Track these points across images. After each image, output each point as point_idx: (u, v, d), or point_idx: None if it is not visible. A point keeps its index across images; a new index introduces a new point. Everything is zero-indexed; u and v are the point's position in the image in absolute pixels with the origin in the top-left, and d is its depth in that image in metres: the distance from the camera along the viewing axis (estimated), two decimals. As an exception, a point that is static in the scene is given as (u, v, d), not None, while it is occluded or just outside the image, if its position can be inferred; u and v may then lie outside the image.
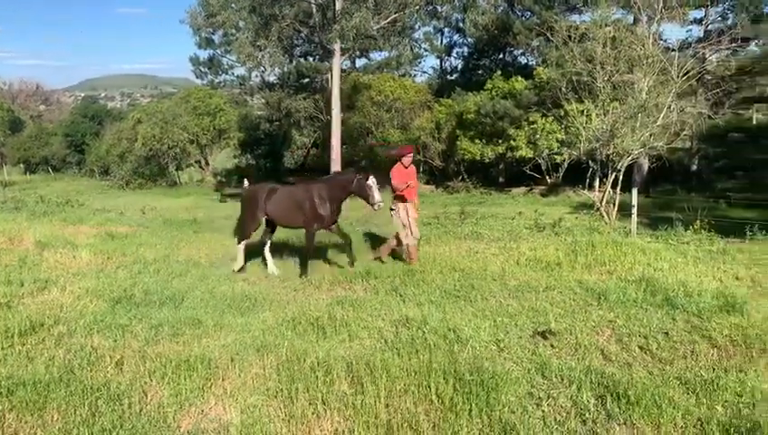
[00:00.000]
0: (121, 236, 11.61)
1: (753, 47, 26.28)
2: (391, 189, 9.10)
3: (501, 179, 28.84)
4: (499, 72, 27.85)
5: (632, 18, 22.90)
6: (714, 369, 4.63)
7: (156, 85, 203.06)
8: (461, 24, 35.37)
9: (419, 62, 40.64)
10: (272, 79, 37.30)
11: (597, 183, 14.69)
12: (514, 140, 25.37)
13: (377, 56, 36.54)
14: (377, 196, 8.39)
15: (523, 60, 33.71)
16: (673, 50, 16.69)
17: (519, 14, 30.31)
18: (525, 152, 25.18)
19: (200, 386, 4.36)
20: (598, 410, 4.02)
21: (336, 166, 20.41)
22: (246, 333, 5.58)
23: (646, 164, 21.95)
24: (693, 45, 24.44)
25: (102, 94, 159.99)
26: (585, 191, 15.85)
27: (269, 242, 9.37)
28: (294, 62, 35.96)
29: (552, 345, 5.18)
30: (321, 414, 3.98)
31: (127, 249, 10.13)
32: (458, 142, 27.34)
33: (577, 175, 20.22)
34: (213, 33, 34.51)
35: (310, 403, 4.08)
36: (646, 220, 14.43)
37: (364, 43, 25.45)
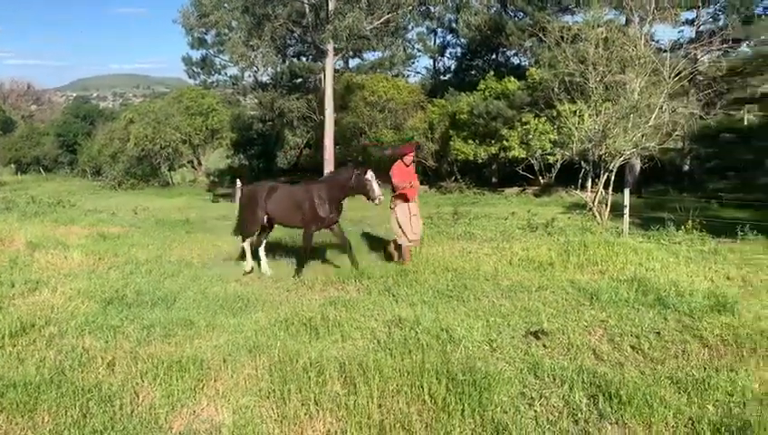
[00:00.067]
0: (113, 237, 11.56)
1: (744, 48, 26.49)
2: (391, 188, 9.00)
3: (494, 180, 28.91)
4: (492, 73, 27.92)
5: (624, 19, 22.99)
6: (705, 368, 4.65)
7: (148, 85, 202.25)
8: (454, 25, 35.47)
9: (412, 63, 40.86)
10: (265, 79, 37.37)
11: (589, 183, 14.76)
12: (507, 140, 25.42)
13: (370, 56, 36.66)
14: (376, 190, 8.31)
15: (515, 60, 33.86)
16: (665, 51, 16.81)
17: (512, 14, 30.38)
18: (518, 153, 25.23)
19: (192, 387, 4.35)
20: (590, 409, 4.03)
21: (329, 166, 20.43)
22: (239, 333, 5.56)
23: (638, 164, 22.02)
24: (684, 46, 24.62)
25: (94, 94, 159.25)
26: (577, 191, 15.92)
27: (264, 242, 9.35)
28: (287, 62, 35.97)
29: (544, 345, 5.19)
30: (313, 415, 3.97)
31: (119, 250, 10.09)
32: (451, 143, 27.38)
33: (569, 175, 20.28)
34: (206, 33, 34.56)
35: (302, 404, 4.08)
36: (638, 220, 14.47)
37: (357, 43, 25.50)
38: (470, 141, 26.83)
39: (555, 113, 18.87)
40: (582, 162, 15.06)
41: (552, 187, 25.98)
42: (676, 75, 14.69)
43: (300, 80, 36.49)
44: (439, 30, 38.11)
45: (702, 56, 24.54)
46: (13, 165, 53.66)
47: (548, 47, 18.32)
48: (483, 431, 3.78)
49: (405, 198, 8.91)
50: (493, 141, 26.24)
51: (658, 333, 5.40)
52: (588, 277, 7.56)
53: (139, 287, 7.40)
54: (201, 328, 5.74)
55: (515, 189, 27.30)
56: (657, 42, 23.09)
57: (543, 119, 23.46)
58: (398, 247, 9.04)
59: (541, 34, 18.98)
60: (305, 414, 3.97)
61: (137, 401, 4.20)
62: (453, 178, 28.79)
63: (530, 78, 25.30)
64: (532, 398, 4.19)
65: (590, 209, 14.11)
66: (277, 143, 38.91)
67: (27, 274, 7.97)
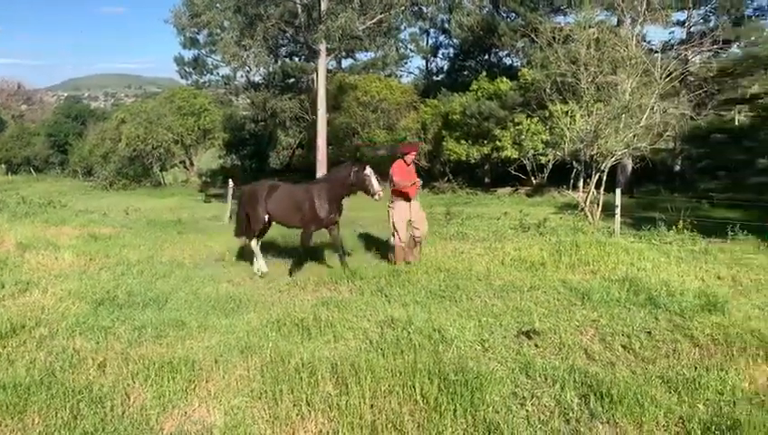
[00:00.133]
0: (104, 238, 11.49)
1: (734, 49, 26.61)
2: (391, 186, 8.94)
3: (486, 180, 28.98)
4: (484, 73, 27.95)
5: (616, 20, 23.13)
6: (695, 367, 4.67)
7: (140, 85, 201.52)
8: (446, 26, 35.50)
9: (405, 63, 40.80)
10: (257, 79, 37.22)
11: (581, 183, 14.82)
12: (500, 140, 25.47)
13: (363, 57, 36.56)
14: (376, 185, 8.25)
15: (508, 61, 33.88)
16: (656, 51, 16.92)
17: (504, 15, 30.42)
18: (511, 153, 25.28)
19: (183, 388, 4.33)
20: (581, 409, 4.05)
21: (322, 166, 20.35)
22: (231, 334, 5.54)
23: (629, 164, 22.17)
24: (675, 47, 24.76)
25: (86, 94, 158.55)
26: (569, 192, 15.99)
27: (259, 241, 9.34)
28: (280, 63, 35.86)
29: (536, 345, 5.20)
30: (305, 415, 3.96)
31: (110, 250, 10.03)
32: (444, 143, 27.41)
33: (562, 175, 20.36)
34: (198, 33, 34.40)
35: (294, 405, 4.07)
36: (629, 220, 14.53)
37: (350, 43, 25.43)
38: (463, 142, 26.86)
39: (547, 114, 18.94)
40: (574, 162, 15.12)
41: (544, 187, 26.06)
42: (668, 76, 14.78)
43: (292, 80, 36.40)
44: (432, 30, 38.16)
45: (693, 57, 24.71)
46: (3, 165, 53.39)
47: (540, 48, 18.42)
48: (474, 431, 3.78)
49: (405, 197, 8.85)
50: (485, 142, 26.28)
51: (649, 332, 5.42)
52: (579, 277, 7.58)
53: (130, 288, 7.37)
54: (193, 329, 5.72)
55: (508, 189, 27.37)
56: (649, 43, 23.30)
57: (536, 119, 23.53)
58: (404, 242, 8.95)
59: (533, 35, 19.06)
60: (297, 415, 3.97)
61: (128, 402, 4.18)
62: (445, 178, 28.82)
63: (522, 78, 25.35)
64: (523, 397, 4.20)
65: (582, 209, 14.16)
66: (270, 143, 38.83)
67: (17, 275, 7.90)
